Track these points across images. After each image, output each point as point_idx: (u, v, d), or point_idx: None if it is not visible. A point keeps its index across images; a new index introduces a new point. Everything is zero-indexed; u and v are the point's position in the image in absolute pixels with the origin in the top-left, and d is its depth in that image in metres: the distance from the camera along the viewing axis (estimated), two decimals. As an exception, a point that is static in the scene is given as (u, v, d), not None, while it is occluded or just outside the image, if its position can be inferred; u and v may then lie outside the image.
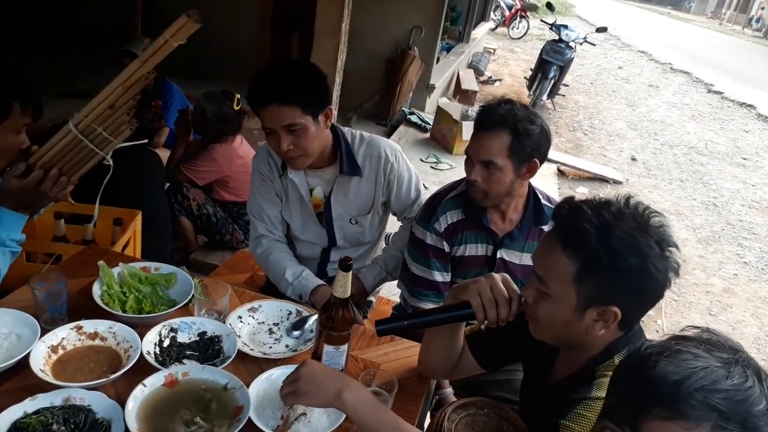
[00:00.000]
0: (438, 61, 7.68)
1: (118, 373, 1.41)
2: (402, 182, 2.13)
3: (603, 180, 6.71)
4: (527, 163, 1.85)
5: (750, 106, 11.03)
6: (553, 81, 8.55)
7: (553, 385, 1.36)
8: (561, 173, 6.73)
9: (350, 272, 1.44)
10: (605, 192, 6.38)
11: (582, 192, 6.29)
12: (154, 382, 1.39)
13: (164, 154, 3.61)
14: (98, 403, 1.33)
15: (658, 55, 15.25)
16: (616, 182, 6.74)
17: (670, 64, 14.41)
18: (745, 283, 4.92)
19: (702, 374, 0.83)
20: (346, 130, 2.09)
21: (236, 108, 3.40)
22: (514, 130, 1.79)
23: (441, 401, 2.01)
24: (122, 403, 1.31)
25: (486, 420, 1.52)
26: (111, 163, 1.71)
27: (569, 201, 1.24)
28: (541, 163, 1.88)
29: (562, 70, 8.62)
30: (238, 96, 3.45)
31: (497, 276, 1.41)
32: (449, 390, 2.05)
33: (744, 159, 8.20)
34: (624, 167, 7.29)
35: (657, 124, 9.41)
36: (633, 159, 7.65)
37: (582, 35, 8.79)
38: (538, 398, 1.43)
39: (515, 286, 1.40)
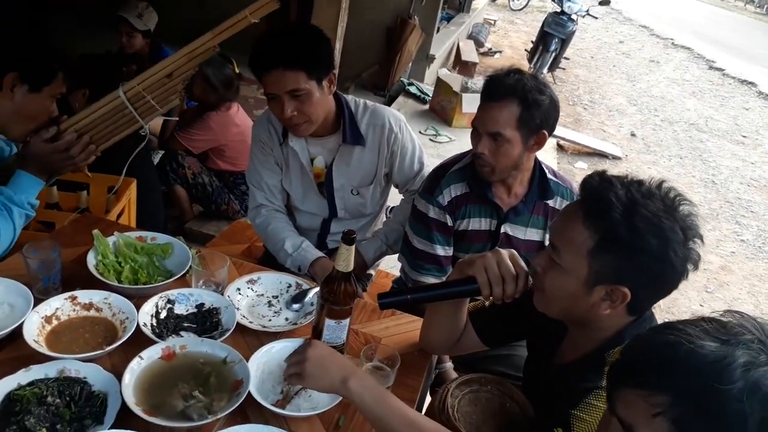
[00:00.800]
0: (438, 31, 7.55)
1: (114, 345, 1.37)
2: (405, 153, 2.08)
3: (602, 155, 6.66)
4: (536, 134, 1.80)
5: (751, 83, 10.93)
6: (554, 54, 8.43)
7: (560, 367, 1.33)
8: (560, 148, 6.67)
9: (353, 246, 1.40)
10: (604, 168, 6.32)
11: (581, 167, 6.24)
12: (151, 354, 1.35)
13: (157, 122, 3.55)
14: (94, 375, 1.30)
15: (660, 30, 15.07)
16: (616, 158, 6.69)
17: (671, 39, 14.25)
18: (742, 261, 4.91)
19: (678, 349, 0.81)
20: (349, 98, 2.03)
21: (237, 72, 3.32)
22: (523, 101, 1.74)
23: (441, 376, 1.99)
24: (119, 376, 1.28)
25: (489, 397, 1.50)
26: (147, 133, 1.72)
27: (600, 173, 1.20)
28: (550, 134, 1.83)
29: (564, 43, 8.49)
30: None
31: (504, 251, 1.37)
32: (449, 364, 2.03)
33: (744, 137, 8.14)
34: (623, 143, 7.23)
35: (657, 99, 9.33)
36: (632, 135, 7.58)
37: (585, 8, 8.65)
38: (542, 378, 1.40)
39: (522, 263, 1.36)
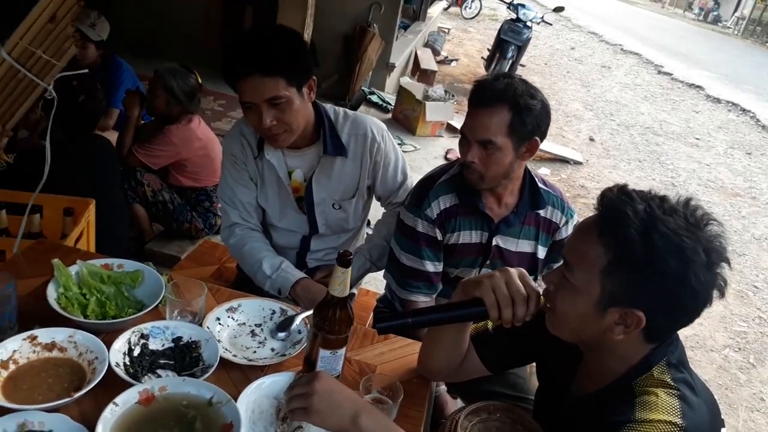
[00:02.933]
0: (396, 39, 7.50)
1: (83, 391, 1.21)
2: (389, 164, 1.97)
3: (564, 161, 6.69)
4: (527, 141, 1.72)
5: (698, 87, 11.28)
6: (511, 61, 8.48)
7: (582, 398, 1.24)
8: (523, 154, 6.68)
9: (350, 268, 1.28)
10: (567, 173, 6.37)
11: (544, 173, 6.25)
12: (126, 399, 1.20)
13: (114, 138, 3.35)
14: (61, 427, 1.14)
15: (609, 37, 15.46)
16: (577, 163, 6.73)
17: (620, 45, 14.62)
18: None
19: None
20: (328, 106, 1.91)
21: (199, 83, 3.16)
22: (514, 106, 1.66)
23: (436, 401, 1.88)
24: (90, 427, 1.12)
25: (499, 425, 1.39)
26: (54, 95, 1.46)
27: (621, 186, 1.11)
28: (542, 141, 1.76)
29: (520, 50, 8.56)
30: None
31: (513, 271, 1.27)
32: (443, 387, 1.92)
33: (697, 139, 8.35)
34: (583, 148, 7.29)
35: (612, 104, 9.50)
36: (591, 139, 7.67)
37: (539, 15, 8.75)
38: (560, 408, 1.30)
39: (533, 282, 1.26)
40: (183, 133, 3.15)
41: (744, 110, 10.12)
